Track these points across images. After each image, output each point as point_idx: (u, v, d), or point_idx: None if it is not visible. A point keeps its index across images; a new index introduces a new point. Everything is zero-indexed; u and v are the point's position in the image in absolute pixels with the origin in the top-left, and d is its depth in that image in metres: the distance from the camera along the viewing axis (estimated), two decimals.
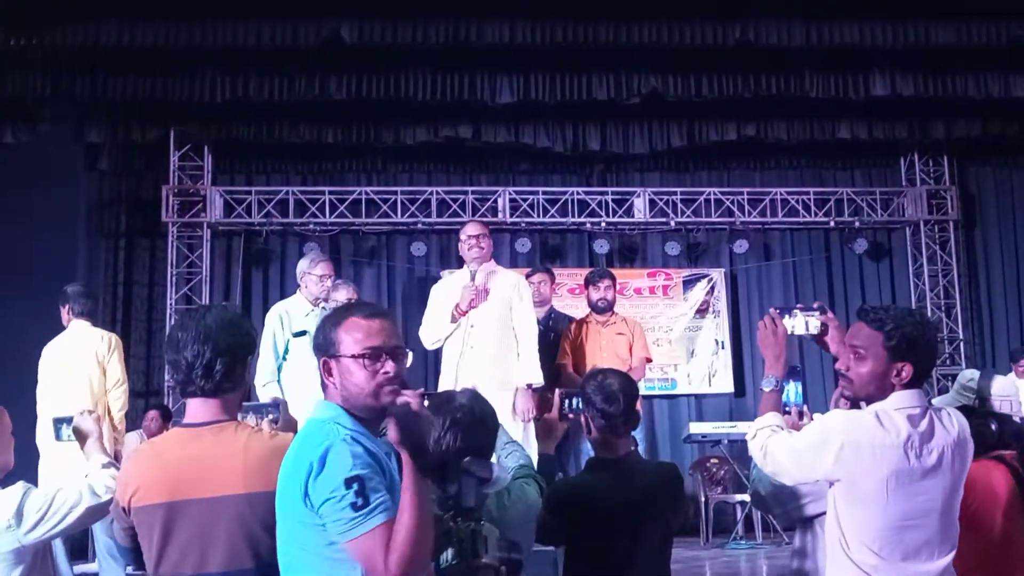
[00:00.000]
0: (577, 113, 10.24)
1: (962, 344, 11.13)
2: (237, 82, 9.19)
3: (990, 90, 9.50)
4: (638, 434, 6.29)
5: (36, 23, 8.13)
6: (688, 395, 11.10)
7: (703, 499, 8.53)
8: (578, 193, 11.10)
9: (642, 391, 10.80)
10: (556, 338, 6.39)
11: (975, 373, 3.22)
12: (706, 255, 11.38)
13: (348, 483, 2.12)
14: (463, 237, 5.62)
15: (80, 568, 6.34)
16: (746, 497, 8.27)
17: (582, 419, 3.23)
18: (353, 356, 2.30)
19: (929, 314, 11.07)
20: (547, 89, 9.43)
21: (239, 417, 2.70)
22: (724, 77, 9.41)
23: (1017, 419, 3.13)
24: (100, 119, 10.04)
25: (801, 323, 3.08)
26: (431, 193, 10.92)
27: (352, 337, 2.32)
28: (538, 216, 11.00)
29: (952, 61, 9.21)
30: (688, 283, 11.36)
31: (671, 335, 11.18)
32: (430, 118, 10.19)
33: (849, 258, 11.49)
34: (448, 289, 5.56)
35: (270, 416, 3.69)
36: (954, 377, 10.85)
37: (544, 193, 11.07)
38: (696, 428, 9.36)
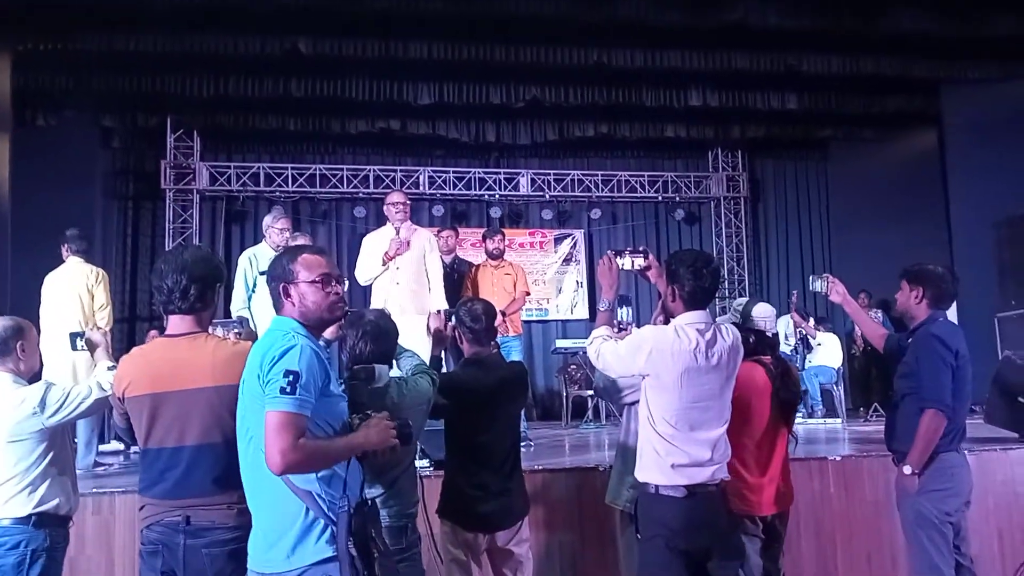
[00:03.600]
0: (478, 112, 10.07)
1: (746, 284, 11.49)
2: (220, 81, 8.81)
3: (771, 103, 9.68)
4: (520, 346, 6.32)
5: (62, 31, 7.68)
6: (556, 320, 11.22)
7: (565, 393, 8.63)
8: (479, 172, 10.97)
9: (523, 317, 10.87)
10: (460, 278, 6.34)
11: (743, 300, 3.28)
12: (571, 220, 11.38)
13: (287, 373, 2.05)
14: (389, 203, 5.52)
15: (102, 447, 6.14)
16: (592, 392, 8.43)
17: (457, 333, 3.23)
18: (311, 282, 2.23)
19: (724, 264, 11.41)
20: (456, 94, 9.23)
21: (209, 330, 2.61)
22: (585, 88, 9.35)
23: (770, 334, 3.20)
24: (113, 108, 9.55)
25: (629, 262, 3.10)
26: (369, 170, 10.65)
27: (307, 267, 2.24)
28: (449, 189, 10.84)
29: (746, 81, 9.33)
30: (558, 240, 11.40)
31: (545, 277, 11.24)
32: (369, 113, 9.90)
33: (671, 223, 11.66)
34: (377, 241, 5.45)
35: (235, 330, 3.58)
36: None
37: (454, 172, 10.90)
38: (561, 343, 9.45)
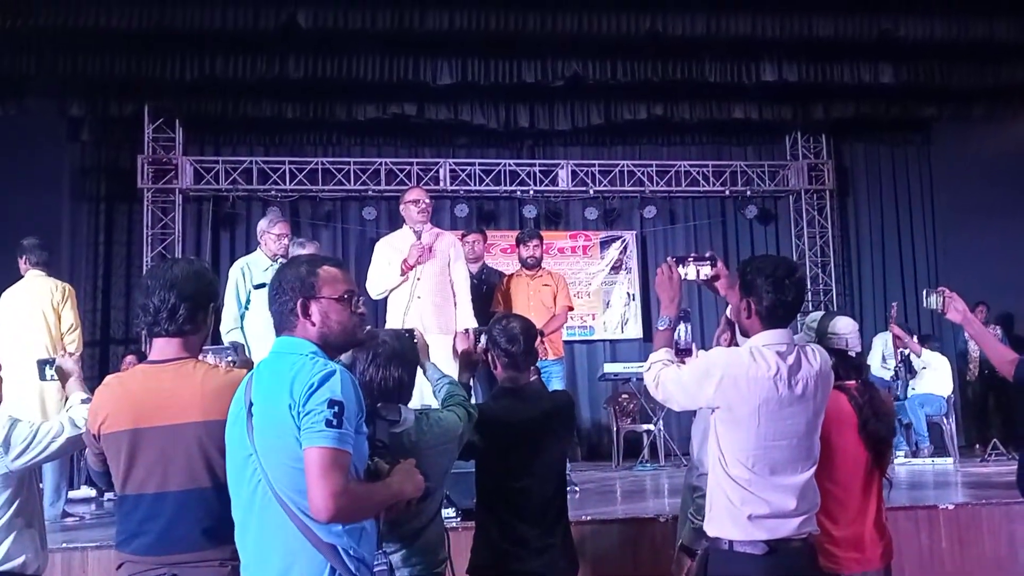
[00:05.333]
0: (509, 94, 10.12)
1: (834, 296, 11.37)
2: (205, 62, 8.94)
3: (862, 77, 9.59)
4: (562, 372, 6.33)
5: (23, 6, 7.86)
6: (604, 340, 11.18)
7: (615, 428, 8.61)
8: (509, 164, 11.02)
9: (564, 336, 10.89)
10: (489, 290, 6.38)
11: (818, 315, 3.25)
12: (620, 219, 11.37)
13: (332, 403, 2.09)
14: (408, 201, 5.56)
15: (71, 494, 6.24)
16: (651, 426, 8.41)
17: (489, 356, 3.24)
18: (337, 298, 2.28)
19: (807, 271, 11.31)
20: (482, 72, 9.30)
21: (200, 357, 2.65)
22: (636, 63, 9.36)
23: (853, 354, 3.16)
24: (81, 95, 9.72)
25: (693, 271, 3.09)
26: (380, 164, 10.75)
27: (331, 282, 2.29)
28: (475, 185, 10.89)
29: (830, 51, 9.26)
30: (604, 244, 11.40)
31: (590, 288, 11.24)
32: (379, 97, 10.00)
33: (741, 222, 11.59)
34: (393, 247, 5.50)
35: (228, 357, 3.64)
36: None
37: (480, 164, 10.96)
38: (609, 368, 9.42)
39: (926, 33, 8.72)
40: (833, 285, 11.40)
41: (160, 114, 10.34)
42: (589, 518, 4.20)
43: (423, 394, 3.36)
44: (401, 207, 5.61)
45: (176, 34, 8.26)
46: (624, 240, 11.42)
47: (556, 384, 5.97)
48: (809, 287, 11.35)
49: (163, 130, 10.45)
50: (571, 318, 10.87)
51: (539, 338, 5.82)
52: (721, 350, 2.84)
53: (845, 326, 3.22)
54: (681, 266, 3.08)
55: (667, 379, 2.84)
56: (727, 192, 11.45)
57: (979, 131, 10.97)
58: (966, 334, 7.88)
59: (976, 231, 10.30)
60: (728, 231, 11.64)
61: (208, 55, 8.93)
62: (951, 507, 4.21)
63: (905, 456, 7.98)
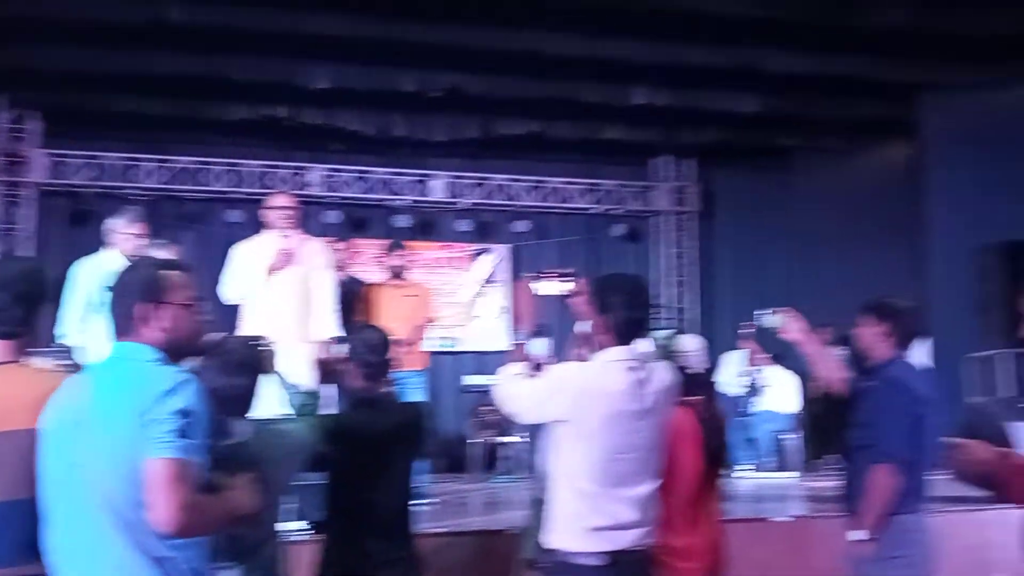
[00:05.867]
0: (386, 101, 10.04)
1: (698, 314, 11.76)
2: (67, 53, 8.52)
3: (727, 105, 10.00)
4: (424, 383, 6.30)
5: None
6: (470, 352, 11.21)
7: (475, 441, 8.62)
8: (383, 173, 10.96)
9: (428, 347, 10.87)
10: (353, 299, 6.30)
11: (667, 333, 3.37)
12: (492, 232, 11.47)
13: (183, 413, 2.04)
14: (274, 206, 5.45)
15: None
16: (512, 438, 8.47)
17: (348, 366, 3.22)
18: (181, 304, 2.25)
19: (670, 290, 11.65)
20: (360, 77, 9.25)
21: (29, 360, 2.52)
22: (515, 79, 9.47)
23: (699, 372, 3.30)
24: None
25: (553, 286, 3.14)
26: (248, 166, 10.52)
27: (176, 287, 2.26)
28: (346, 192, 10.79)
29: (699, 79, 9.58)
30: (476, 256, 11.47)
31: (459, 300, 11.27)
32: (250, 97, 9.77)
33: (610, 240, 11.85)
34: (253, 251, 5.36)
35: (61, 360, 3.48)
36: None
37: (353, 171, 10.86)
38: (470, 380, 9.48)
39: (788, 67, 9.14)
40: (698, 304, 11.79)
41: (16, 104, 9.81)
42: (440, 530, 4.19)
43: (273, 403, 3.29)
44: (266, 212, 5.49)
45: (37, 22, 7.85)
46: (496, 253, 11.50)
47: (416, 396, 5.95)
48: (672, 305, 11.71)
49: (19, 121, 9.92)
50: (439, 329, 10.92)
51: (401, 349, 5.85)
52: (571, 364, 2.90)
53: (692, 344, 3.34)
54: (540, 281, 3.13)
55: (517, 393, 2.88)
56: (597, 210, 11.69)
57: (836, 161, 11.56)
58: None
59: (829, 257, 10.81)
60: (597, 248, 11.87)
61: (74, 45, 8.50)
62: (787, 520, 4.40)
63: (751, 470, 8.31)
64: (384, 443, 3.11)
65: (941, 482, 4.88)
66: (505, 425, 8.64)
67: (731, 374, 9.40)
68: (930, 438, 3.30)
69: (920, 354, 9.63)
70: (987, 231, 8.96)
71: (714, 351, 11.59)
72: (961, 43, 8.85)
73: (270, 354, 3.13)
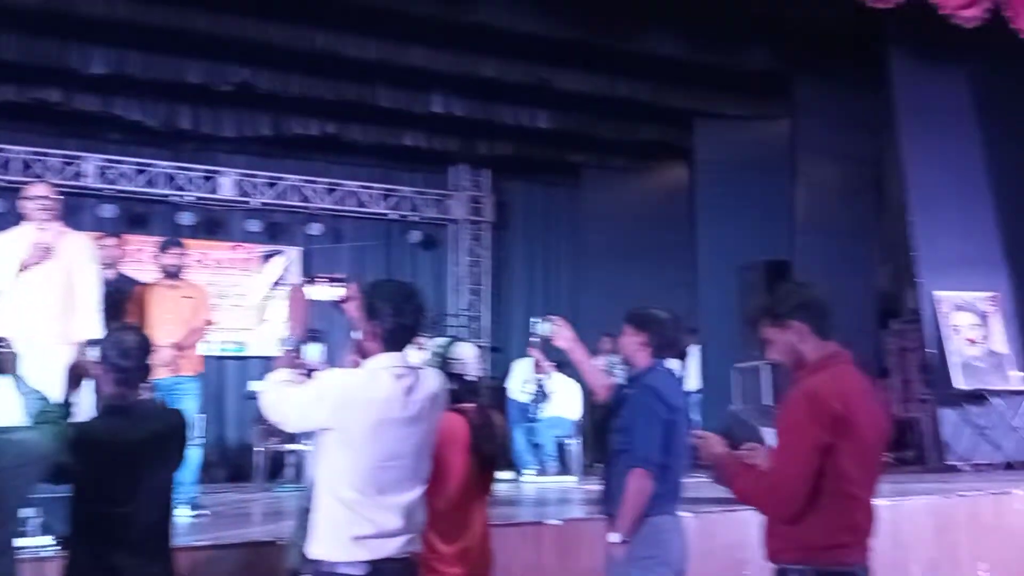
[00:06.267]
0: (171, 92, 9.57)
1: (488, 323, 11.97)
2: None
3: (521, 119, 10.28)
4: (198, 389, 6.01)
5: None
6: (258, 357, 10.85)
7: (260, 449, 8.34)
8: (167, 167, 10.44)
9: (215, 352, 10.45)
10: (123, 299, 5.92)
11: (443, 340, 3.41)
12: (284, 234, 11.19)
13: None
14: (29, 196, 5.03)
15: None
16: (298, 446, 8.24)
17: (99, 371, 3.03)
18: None
19: (464, 298, 11.82)
20: (142, 65, 8.75)
21: None
22: (309, 78, 9.30)
23: (472, 379, 3.35)
24: None
25: (325, 291, 3.10)
26: (13, 152, 9.72)
27: None
28: (125, 185, 10.18)
29: (494, 91, 9.80)
30: (266, 258, 11.12)
31: (246, 303, 10.89)
32: (18, 78, 9.03)
33: (405, 246, 11.88)
34: (6, 245, 4.93)
35: None
36: (479, 349, 11.72)
37: (133, 163, 10.27)
38: (255, 386, 9.14)
39: (577, 85, 9.51)
40: (488, 312, 12.00)
41: None
42: (205, 543, 4.02)
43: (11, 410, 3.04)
44: (22, 203, 5.06)
45: None
46: (286, 255, 11.21)
47: (190, 402, 5.67)
48: (465, 313, 11.87)
49: None
50: (222, 332, 10.51)
51: (174, 353, 5.58)
52: (338, 371, 2.86)
53: (467, 352, 3.38)
54: (311, 286, 3.07)
55: (283, 400, 2.80)
56: (393, 216, 11.66)
57: (621, 180, 12.15)
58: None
59: (613, 270, 11.31)
60: (392, 254, 11.87)
61: None
62: (557, 523, 4.55)
63: (534, 475, 8.54)
64: (136, 453, 2.93)
65: (701, 485, 5.23)
66: (293, 433, 8.39)
67: (518, 382, 9.64)
68: (683, 443, 3.51)
69: (692, 364, 10.34)
70: (750, 251, 9.67)
71: (506, 359, 11.93)
72: (730, 77, 9.58)
73: (11, 356, 2.90)
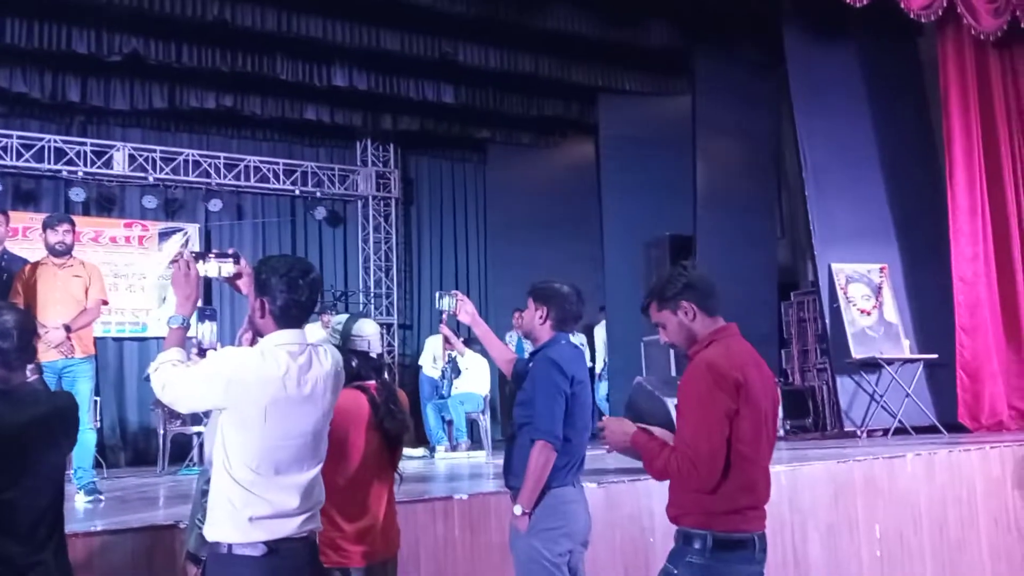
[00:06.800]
0: (57, 63, 9.16)
1: (395, 299, 11.89)
2: None
3: (426, 94, 10.17)
4: (91, 371, 5.79)
5: None
6: (159, 338, 10.55)
7: (162, 431, 8.13)
8: (56, 141, 9.99)
9: (113, 333, 10.12)
10: (9, 278, 5.66)
11: (343, 317, 3.36)
12: (182, 210, 10.86)
13: None
14: None
15: None
16: (201, 428, 8.08)
17: None
18: None
19: (372, 274, 11.72)
20: (24, 34, 8.32)
21: None
22: (203, 49, 9.00)
23: (374, 355, 3.31)
24: None
25: (215, 267, 2.99)
26: None
27: None
28: (11, 160, 9.70)
29: (397, 65, 9.68)
30: (164, 235, 10.78)
31: (144, 282, 10.55)
32: None
33: (311, 223, 11.69)
34: None
35: None
36: (388, 326, 11.63)
37: (19, 137, 9.79)
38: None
39: (482, 60, 9.46)
40: (395, 288, 11.92)
41: None
42: (100, 528, 3.90)
43: None
44: None
45: None
46: (186, 233, 10.90)
47: (84, 384, 5.48)
48: (372, 290, 11.76)
49: None
50: (121, 314, 10.18)
51: (64, 333, 5.38)
52: (231, 350, 2.78)
53: (368, 328, 3.33)
54: (201, 262, 2.98)
55: (173, 380, 2.72)
56: (298, 192, 11.45)
57: (527, 155, 12.18)
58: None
59: (521, 245, 11.37)
60: (297, 231, 11.66)
61: None
62: (465, 497, 4.56)
63: (445, 450, 8.56)
64: (20, 438, 2.81)
65: (605, 456, 5.32)
66: (195, 414, 8.20)
67: (429, 358, 9.63)
68: (586, 416, 3.54)
69: (599, 336, 10.47)
70: (655, 225, 9.83)
71: (418, 335, 11.89)
72: (633, 52, 9.69)
73: None
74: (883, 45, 9.24)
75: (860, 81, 9.23)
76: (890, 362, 8.42)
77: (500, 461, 6.59)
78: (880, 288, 8.76)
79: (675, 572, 2.72)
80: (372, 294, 11.80)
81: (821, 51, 9.11)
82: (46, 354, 5.23)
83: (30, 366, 3.15)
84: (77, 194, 10.02)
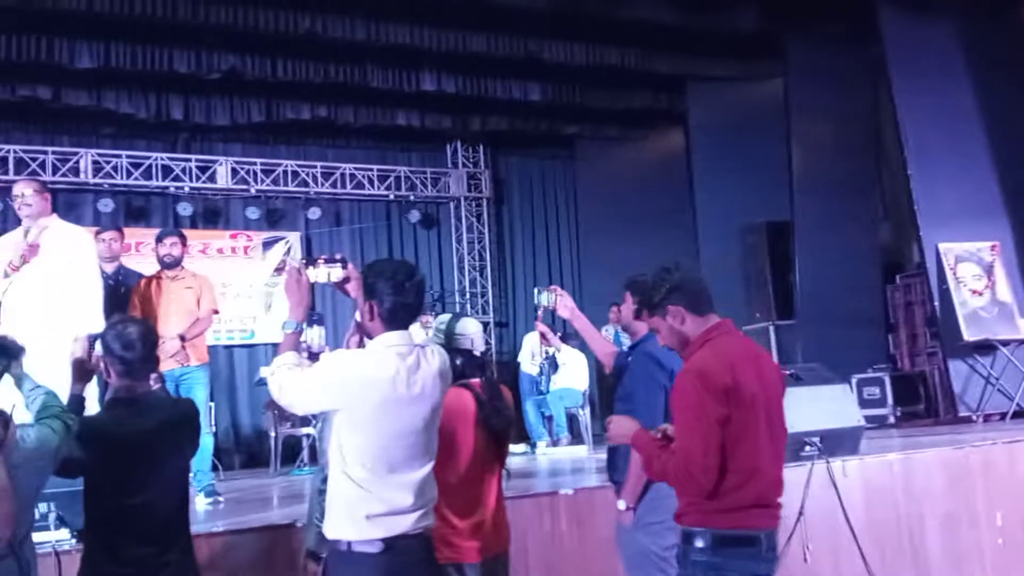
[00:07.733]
0: (160, 83, 9.53)
1: (491, 297, 11.99)
2: None
3: (513, 93, 10.21)
4: (205, 378, 6.01)
5: None
6: (266, 344, 10.89)
7: (274, 434, 8.39)
8: (162, 159, 10.40)
9: (223, 341, 10.50)
10: (127, 292, 5.94)
11: (446, 317, 3.40)
12: (283, 220, 11.17)
13: None
14: (12, 196, 5.05)
15: None
16: (311, 430, 8.30)
17: (102, 364, 3.04)
18: None
19: (466, 274, 11.84)
20: (128, 57, 8.70)
21: None
22: (296, 62, 9.24)
23: (477, 353, 3.34)
24: None
25: (324, 273, 3.06)
26: (8, 151, 9.68)
27: None
28: (121, 178, 10.15)
29: (484, 66, 9.74)
30: (267, 244, 11.12)
31: (251, 291, 10.90)
32: (8, 77, 8.99)
33: (406, 226, 11.87)
34: (2, 245, 4.96)
35: None
36: (484, 324, 11.74)
37: (128, 156, 10.24)
38: (266, 371, 9.15)
39: (567, 56, 9.45)
40: (490, 287, 12.01)
41: None
42: (222, 529, 4.05)
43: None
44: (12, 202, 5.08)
45: None
46: (288, 242, 11.21)
47: (200, 391, 5.70)
48: (468, 289, 11.89)
49: None
50: (229, 321, 10.55)
51: (179, 343, 5.60)
52: (342, 352, 2.86)
53: (471, 327, 3.37)
54: (311, 268, 3.06)
55: (290, 383, 2.80)
56: (392, 196, 11.64)
57: (615, 149, 12.11)
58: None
59: (612, 239, 11.30)
60: (392, 235, 11.85)
61: None
62: (571, 492, 4.58)
63: (547, 446, 8.59)
64: (146, 444, 2.95)
65: None
66: (304, 416, 8.44)
67: (527, 355, 9.67)
68: None
69: None
70: (750, 212, 9.65)
71: (514, 333, 11.97)
72: (720, 39, 9.53)
73: (16, 351, 2.91)
74: (982, 15, 8.86)
75: (959, 53, 8.88)
76: (1005, 343, 8.08)
77: (600, 455, 6.60)
78: (992, 267, 8.41)
79: (683, 572, 2.70)
80: (468, 294, 11.92)
81: (917, 25, 8.80)
82: (163, 364, 5.46)
83: (153, 375, 3.31)
84: (184, 208, 10.42)
